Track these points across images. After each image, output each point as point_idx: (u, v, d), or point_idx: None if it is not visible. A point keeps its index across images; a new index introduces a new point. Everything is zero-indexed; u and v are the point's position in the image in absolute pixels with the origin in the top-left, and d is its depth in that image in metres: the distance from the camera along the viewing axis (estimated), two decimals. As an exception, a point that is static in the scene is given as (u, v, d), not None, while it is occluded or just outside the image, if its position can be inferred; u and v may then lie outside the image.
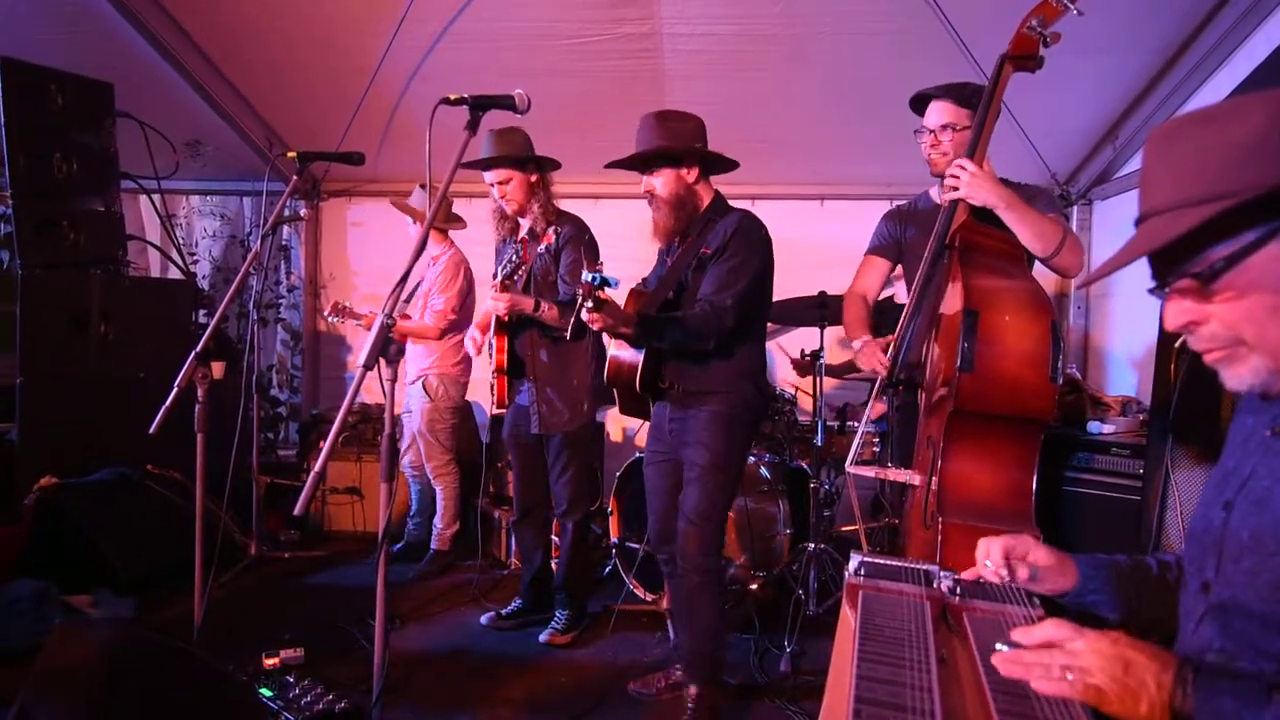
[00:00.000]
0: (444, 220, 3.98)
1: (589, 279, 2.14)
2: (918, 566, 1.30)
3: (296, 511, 1.50)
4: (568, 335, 2.97)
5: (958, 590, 1.21)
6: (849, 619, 1.13)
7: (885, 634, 1.03)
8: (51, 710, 1.64)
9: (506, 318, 3.05)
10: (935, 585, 1.24)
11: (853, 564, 1.31)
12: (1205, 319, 0.92)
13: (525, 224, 3.12)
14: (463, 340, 3.88)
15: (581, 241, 3.01)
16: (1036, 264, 2.24)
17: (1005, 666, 0.90)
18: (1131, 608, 1.19)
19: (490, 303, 3.00)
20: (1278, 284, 0.87)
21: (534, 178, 3.04)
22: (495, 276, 3.11)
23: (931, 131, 2.33)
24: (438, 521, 3.97)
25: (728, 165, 2.54)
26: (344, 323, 3.92)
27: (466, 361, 3.95)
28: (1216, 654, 0.94)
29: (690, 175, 2.48)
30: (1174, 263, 0.92)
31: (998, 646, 0.93)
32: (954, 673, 0.98)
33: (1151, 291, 0.97)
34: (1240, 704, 0.81)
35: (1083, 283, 1.81)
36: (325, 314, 3.98)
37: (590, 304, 2.16)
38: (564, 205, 3.21)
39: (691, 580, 2.47)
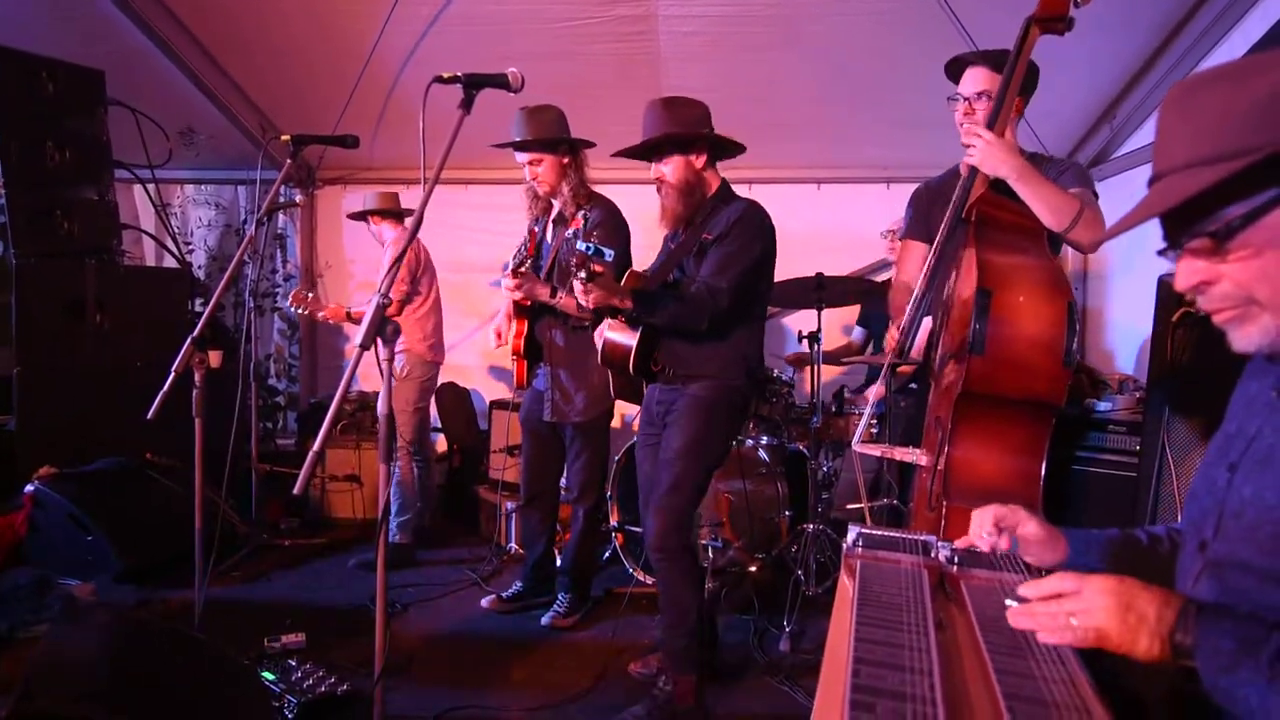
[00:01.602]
0: (394, 205, 3.96)
1: (583, 249, 2.12)
2: (916, 537, 1.31)
3: (296, 490, 1.50)
4: (586, 324, 2.95)
5: (955, 560, 1.22)
6: (847, 588, 1.13)
7: (883, 600, 1.03)
8: (54, 694, 1.65)
9: (528, 302, 3.03)
10: (933, 555, 1.24)
11: (851, 536, 1.32)
12: (1218, 278, 0.91)
13: (556, 205, 3.07)
14: (428, 315, 3.88)
15: (610, 226, 2.93)
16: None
17: (1015, 620, 0.93)
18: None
19: (504, 290, 2.96)
20: None
21: (566, 159, 2.97)
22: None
23: (966, 99, 2.24)
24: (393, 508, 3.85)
25: (735, 149, 2.53)
26: (304, 312, 3.88)
27: (435, 340, 3.91)
28: None
29: (699, 161, 2.48)
30: (1188, 222, 0.91)
31: (1007, 602, 0.96)
32: (952, 637, 0.98)
33: (1161, 253, 0.96)
34: (1239, 646, 0.82)
35: (1092, 245, 1.78)
36: (288, 305, 3.95)
37: (584, 275, 2.14)
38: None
39: (654, 560, 2.47)
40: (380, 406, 1.70)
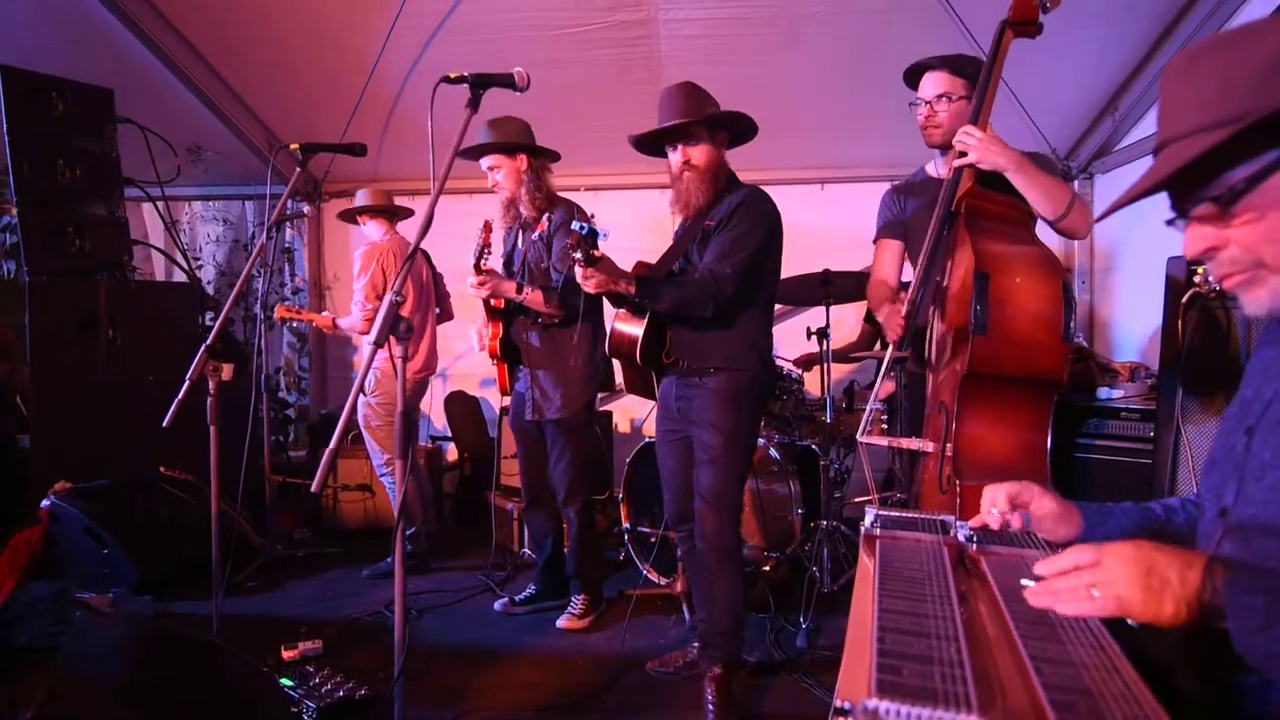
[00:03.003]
0: (386, 202, 3.89)
1: (577, 228, 2.10)
2: (934, 517, 1.31)
3: (314, 488, 1.51)
4: (556, 320, 2.98)
5: (974, 538, 1.22)
6: (867, 566, 1.13)
7: (905, 574, 1.03)
8: (77, 697, 1.65)
9: (501, 304, 3.06)
10: (952, 534, 1.24)
11: (869, 517, 1.32)
12: (1225, 243, 0.92)
13: (522, 211, 3.12)
14: (417, 333, 3.84)
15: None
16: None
17: (1034, 598, 0.91)
18: None
19: (469, 290, 2.97)
20: None
21: (523, 165, 3.03)
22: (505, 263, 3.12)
23: (927, 103, 2.32)
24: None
25: (750, 134, 2.53)
26: (295, 325, 3.84)
27: (423, 356, 3.86)
28: None
29: (723, 147, 2.49)
30: (1193, 188, 0.91)
31: (1024, 582, 0.94)
32: (975, 609, 0.98)
33: (1169, 222, 0.97)
34: (1272, 600, 0.80)
35: (1098, 218, 1.83)
36: (275, 317, 3.96)
37: (580, 257, 2.12)
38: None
39: (710, 559, 2.47)
40: (397, 404, 1.71)
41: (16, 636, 2.74)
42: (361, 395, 3.82)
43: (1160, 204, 0.99)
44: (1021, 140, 4.11)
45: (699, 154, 2.44)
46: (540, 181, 3.07)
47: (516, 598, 3.32)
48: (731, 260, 2.36)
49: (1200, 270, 2.06)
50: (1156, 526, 1.18)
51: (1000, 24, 2.14)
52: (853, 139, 4.45)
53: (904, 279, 3.37)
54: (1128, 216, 4.20)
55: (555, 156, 3.12)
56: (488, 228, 3.02)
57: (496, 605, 3.31)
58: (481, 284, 2.92)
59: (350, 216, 3.98)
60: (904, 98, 2.50)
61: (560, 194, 3.18)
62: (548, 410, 3.08)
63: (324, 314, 4.00)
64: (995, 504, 1.21)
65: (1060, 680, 0.75)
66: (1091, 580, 0.89)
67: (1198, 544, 1.05)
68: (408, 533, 3.84)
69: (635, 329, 2.49)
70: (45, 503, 3.34)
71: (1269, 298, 0.92)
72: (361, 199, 3.92)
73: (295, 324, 3.86)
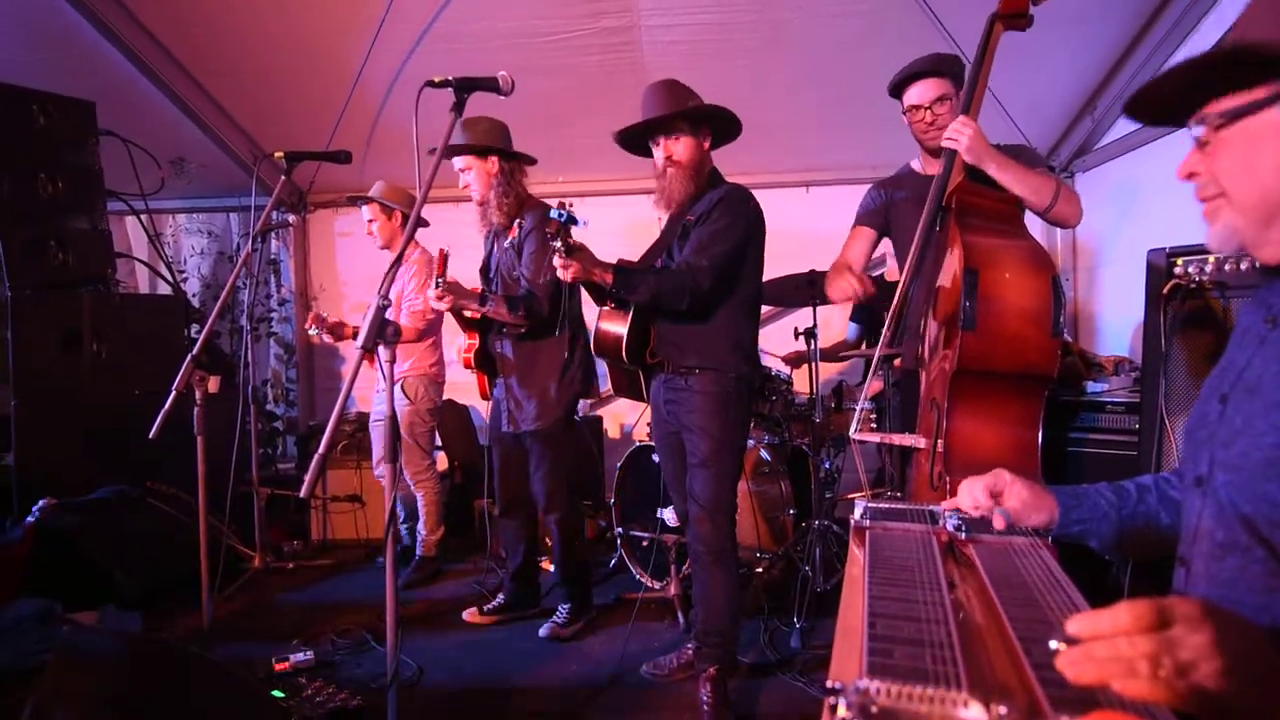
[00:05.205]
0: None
1: (555, 215, 2.08)
2: (922, 508, 1.32)
3: (303, 493, 1.51)
4: (523, 330, 2.92)
5: (963, 527, 1.22)
6: (858, 557, 1.14)
7: (894, 563, 1.04)
8: (66, 710, 1.63)
9: (476, 315, 3.03)
10: (941, 524, 1.25)
11: (859, 510, 1.32)
12: (1201, 169, 0.92)
13: (493, 219, 3.04)
14: (438, 340, 3.85)
15: (542, 230, 2.82)
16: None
17: (1075, 670, 0.67)
18: (1123, 534, 1.20)
19: (434, 303, 2.88)
20: (1264, 145, 0.86)
21: (493, 168, 2.95)
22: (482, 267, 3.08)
23: (926, 108, 2.34)
24: (421, 528, 3.89)
25: (735, 131, 2.53)
26: (321, 335, 3.80)
27: (443, 361, 3.91)
28: (1217, 545, 0.95)
29: (706, 142, 2.49)
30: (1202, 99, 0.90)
31: (1052, 645, 0.71)
32: (964, 594, 0.99)
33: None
34: None
35: (1076, 218, 1.85)
36: (306, 326, 3.92)
37: (560, 246, 2.11)
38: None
39: (705, 560, 2.48)
40: (384, 408, 1.70)
41: (1, 657, 2.71)
42: (407, 403, 3.79)
43: (1142, 199, 0.99)
44: (1001, 141, 4.19)
45: (681, 148, 2.44)
46: (511, 185, 2.97)
47: (485, 608, 3.27)
48: (709, 254, 2.37)
49: (1180, 261, 2.09)
50: (1132, 507, 1.19)
51: (990, 17, 2.15)
52: (836, 142, 4.48)
53: (880, 274, 3.40)
54: (1112, 212, 4.24)
55: (530, 161, 3.05)
56: (442, 258, 2.88)
57: (465, 615, 3.26)
58: (440, 298, 2.84)
59: (355, 202, 3.89)
60: (885, 99, 2.52)
61: (536, 198, 3.08)
62: (522, 422, 3.03)
63: (349, 325, 3.92)
64: (976, 500, 1.21)
65: (1050, 661, 0.75)
66: (1154, 649, 0.65)
67: (1183, 515, 1.05)
68: (436, 535, 3.89)
69: (619, 327, 2.49)
70: (30, 519, 3.30)
71: (1221, 230, 0.92)
72: (378, 193, 3.74)
73: (316, 330, 3.78)
